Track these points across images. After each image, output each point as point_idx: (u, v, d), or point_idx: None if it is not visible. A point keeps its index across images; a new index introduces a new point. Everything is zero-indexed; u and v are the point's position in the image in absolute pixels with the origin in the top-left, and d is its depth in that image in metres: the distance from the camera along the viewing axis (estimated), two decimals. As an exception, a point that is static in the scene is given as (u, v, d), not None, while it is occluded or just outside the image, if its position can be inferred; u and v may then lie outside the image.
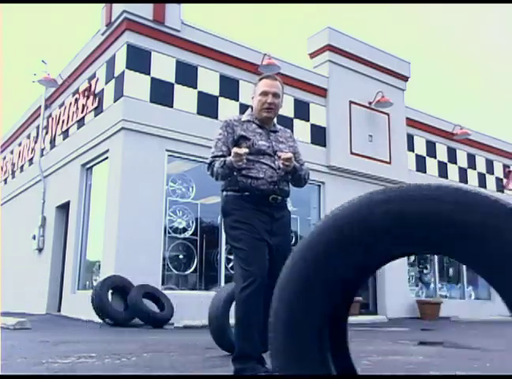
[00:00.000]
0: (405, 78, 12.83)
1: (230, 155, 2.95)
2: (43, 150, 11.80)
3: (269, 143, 3.09)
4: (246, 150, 2.86)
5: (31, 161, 12.73)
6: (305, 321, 1.23)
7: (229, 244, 3.12)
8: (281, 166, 2.95)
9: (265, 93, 3.07)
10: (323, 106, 11.21)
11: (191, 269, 9.00)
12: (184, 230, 8.99)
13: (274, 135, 3.17)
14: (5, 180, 14.90)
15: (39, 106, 12.29)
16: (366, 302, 11.32)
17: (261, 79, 3.16)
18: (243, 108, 9.71)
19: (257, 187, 2.96)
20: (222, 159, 2.96)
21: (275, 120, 3.28)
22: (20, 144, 14.01)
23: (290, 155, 2.94)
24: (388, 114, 12.15)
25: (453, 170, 13.98)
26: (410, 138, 12.93)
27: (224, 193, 3.07)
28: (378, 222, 1.12)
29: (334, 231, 1.19)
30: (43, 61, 10.51)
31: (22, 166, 13.43)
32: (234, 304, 2.94)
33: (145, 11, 8.81)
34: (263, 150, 3.03)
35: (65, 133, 10.74)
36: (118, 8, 8.84)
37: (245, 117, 3.17)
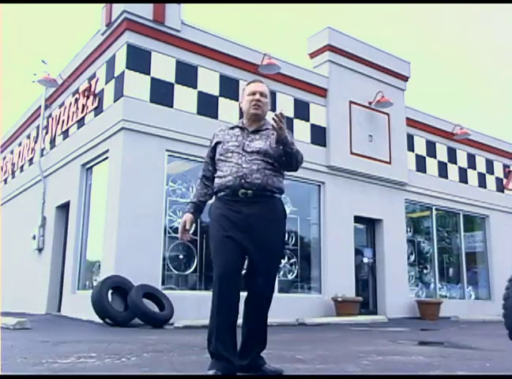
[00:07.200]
0: (405, 78, 12.83)
1: (214, 158, 3.24)
2: (43, 150, 11.79)
3: (239, 142, 3.14)
4: (187, 239, 3.27)
5: (31, 161, 12.72)
6: None
7: None
8: (273, 123, 2.97)
9: (252, 93, 3.20)
10: (323, 106, 11.20)
11: (191, 269, 9.00)
12: (184, 230, 8.96)
13: (254, 135, 3.18)
14: (5, 180, 14.90)
15: (39, 106, 12.29)
16: (366, 302, 11.32)
17: (248, 84, 3.32)
18: (243, 108, 9.71)
19: (226, 185, 3.08)
20: (191, 203, 3.37)
21: (267, 120, 3.29)
22: (20, 144, 14.00)
23: (281, 112, 2.95)
24: (388, 114, 12.15)
25: (453, 170, 13.97)
26: (410, 138, 12.92)
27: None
28: None
29: None
30: (43, 61, 10.51)
31: (22, 166, 13.43)
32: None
33: (145, 11, 8.81)
34: (231, 149, 3.13)
35: (65, 133, 10.74)
36: (118, 8, 8.84)
37: (233, 124, 3.33)
